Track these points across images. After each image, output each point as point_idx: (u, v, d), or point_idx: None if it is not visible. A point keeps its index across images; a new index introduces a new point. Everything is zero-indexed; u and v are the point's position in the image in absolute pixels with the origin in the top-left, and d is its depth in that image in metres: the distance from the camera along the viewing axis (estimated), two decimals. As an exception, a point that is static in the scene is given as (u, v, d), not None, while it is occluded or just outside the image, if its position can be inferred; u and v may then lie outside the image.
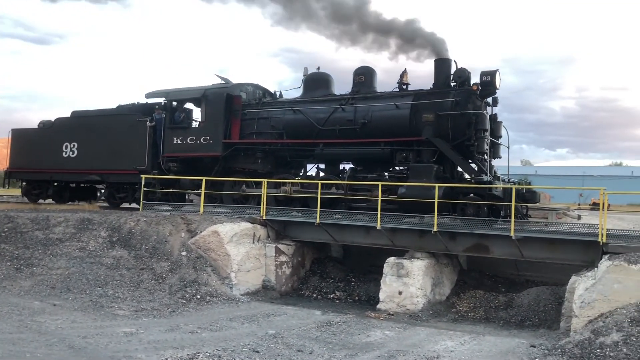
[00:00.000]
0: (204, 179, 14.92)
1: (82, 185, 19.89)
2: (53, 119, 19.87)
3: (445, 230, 11.79)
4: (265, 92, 17.70)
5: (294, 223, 14.05)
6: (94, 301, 10.83)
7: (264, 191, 13.89)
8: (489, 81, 13.30)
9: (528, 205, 13.28)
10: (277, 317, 10.61)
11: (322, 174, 15.93)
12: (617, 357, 7.44)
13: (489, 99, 13.97)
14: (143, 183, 15.81)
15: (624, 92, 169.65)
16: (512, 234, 10.74)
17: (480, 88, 13.34)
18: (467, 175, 13.57)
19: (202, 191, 14.83)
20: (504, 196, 12.35)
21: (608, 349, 7.63)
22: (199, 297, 11.50)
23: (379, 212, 12.14)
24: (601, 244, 9.89)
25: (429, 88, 14.23)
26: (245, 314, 10.66)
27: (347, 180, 14.24)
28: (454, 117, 13.34)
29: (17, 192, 24.12)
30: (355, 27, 15.33)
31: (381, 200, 12.39)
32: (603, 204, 10.08)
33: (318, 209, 13.07)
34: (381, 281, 12.04)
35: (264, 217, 13.74)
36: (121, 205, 17.66)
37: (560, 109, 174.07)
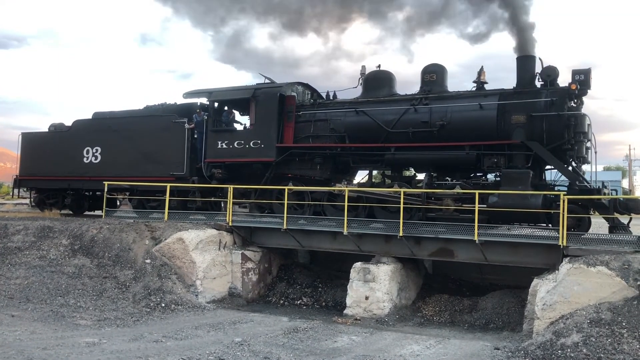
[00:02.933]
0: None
1: (98, 193, 18.10)
2: (60, 122, 18.58)
3: (410, 235, 11.88)
4: (314, 92, 16.47)
5: (260, 229, 13.97)
6: (54, 311, 10.56)
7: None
8: (582, 80, 12.21)
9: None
10: (244, 324, 10.52)
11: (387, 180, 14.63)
12: (577, 357, 7.62)
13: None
14: (106, 190, 15.48)
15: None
16: (475, 238, 10.90)
17: (579, 87, 12.12)
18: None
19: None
20: (609, 206, 11.34)
21: (569, 350, 7.81)
22: (163, 305, 11.33)
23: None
24: (561, 247, 10.13)
25: (512, 87, 13.06)
26: (211, 322, 10.54)
27: (425, 188, 12.94)
28: (550, 118, 12.16)
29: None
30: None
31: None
32: (563, 208, 10.31)
33: (285, 214, 13.03)
34: (348, 286, 12.07)
35: (230, 224, 13.63)
36: (150, 216, 15.69)
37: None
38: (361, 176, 15.89)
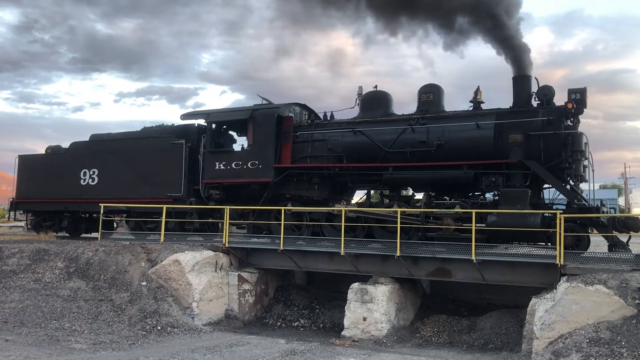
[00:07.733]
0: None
1: (95, 215, 17.84)
2: (57, 145, 18.68)
3: (408, 255, 11.84)
4: (312, 112, 16.54)
5: (257, 250, 13.90)
6: (49, 335, 10.45)
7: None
8: (578, 99, 12.27)
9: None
10: (241, 347, 10.42)
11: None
12: (578, 378, 7.56)
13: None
14: (102, 212, 15.42)
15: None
16: (473, 257, 10.87)
17: (575, 106, 12.20)
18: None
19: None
20: (609, 224, 11.36)
21: (568, 370, 7.74)
22: (159, 328, 11.22)
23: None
24: (559, 266, 10.10)
25: (509, 107, 13.14)
26: (208, 345, 10.44)
27: (423, 208, 12.93)
28: (547, 137, 12.31)
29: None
30: None
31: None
32: (560, 227, 10.30)
33: (282, 235, 12.98)
34: (345, 307, 11.98)
35: (227, 245, 13.57)
36: (147, 238, 15.51)
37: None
38: (359, 196, 15.91)
